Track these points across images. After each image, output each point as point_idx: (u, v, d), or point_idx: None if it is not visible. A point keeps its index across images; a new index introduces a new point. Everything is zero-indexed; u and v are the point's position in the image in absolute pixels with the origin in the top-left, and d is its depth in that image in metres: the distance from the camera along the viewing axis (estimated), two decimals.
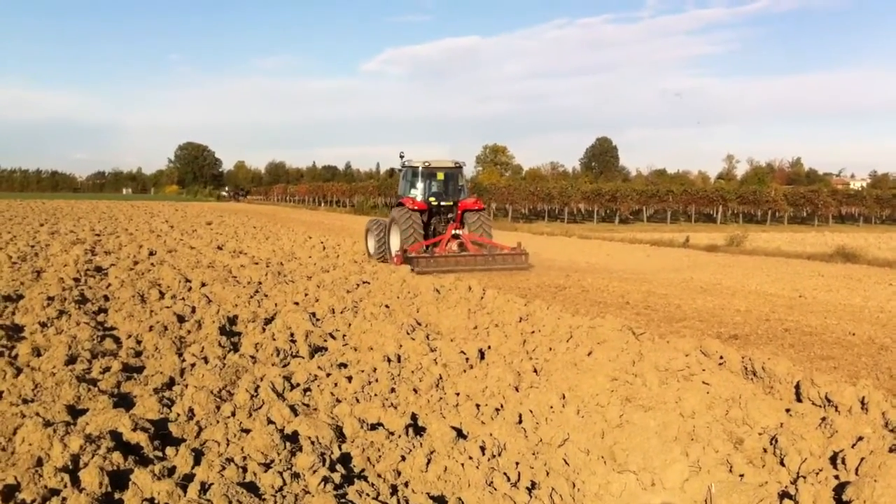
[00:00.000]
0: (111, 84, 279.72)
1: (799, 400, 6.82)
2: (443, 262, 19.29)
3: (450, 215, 21.32)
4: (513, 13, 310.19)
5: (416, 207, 20.70)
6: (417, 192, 21.23)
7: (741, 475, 5.45)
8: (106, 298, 12.83)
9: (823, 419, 5.97)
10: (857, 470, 5.08)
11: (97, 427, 5.91)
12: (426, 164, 21.31)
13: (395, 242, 20.71)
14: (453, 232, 20.79)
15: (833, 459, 5.41)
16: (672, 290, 16.02)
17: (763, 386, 7.31)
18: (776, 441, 5.75)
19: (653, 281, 17.92)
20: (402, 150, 22.37)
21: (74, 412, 6.42)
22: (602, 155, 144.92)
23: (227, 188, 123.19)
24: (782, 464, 5.57)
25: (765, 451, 5.80)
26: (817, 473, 5.25)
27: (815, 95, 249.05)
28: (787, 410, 6.45)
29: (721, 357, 8.16)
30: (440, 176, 21.52)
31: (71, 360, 8.15)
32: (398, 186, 23.03)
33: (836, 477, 5.13)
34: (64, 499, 4.62)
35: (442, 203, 21.25)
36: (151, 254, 20.89)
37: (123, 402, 6.87)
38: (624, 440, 6.01)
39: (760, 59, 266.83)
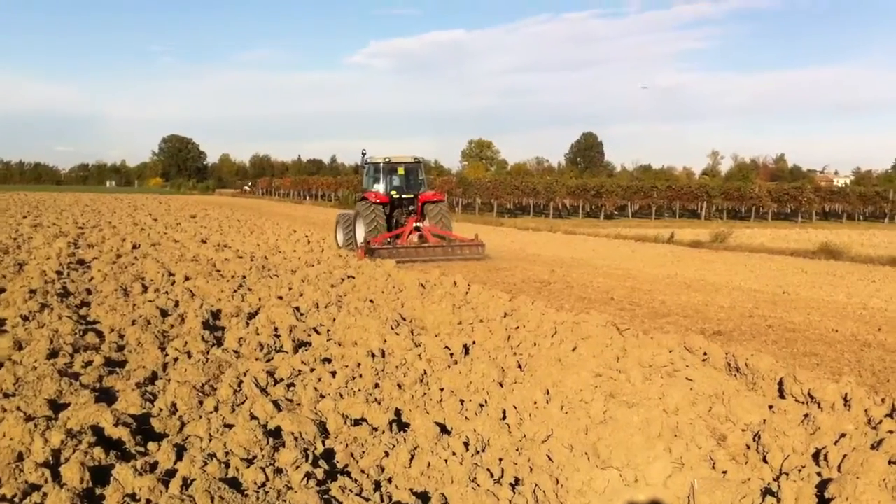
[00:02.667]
0: (95, 76, 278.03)
1: (782, 396, 6.85)
2: (404, 253, 20.22)
3: (411, 207, 22.42)
4: (499, 7, 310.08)
5: (378, 201, 21.86)
6: (380, 187, 22.41)
7: (724, 472, 5.47)
8: (88, 292, 12.74)
9: (806, 416, 6.00)
10: (839, 467, 5.11)
11: (79, 422, 5.87)
12: (387, 159, 22.58)
13: (360, 234, 21.83)
14: (414, 224, 21.89)
15: (816, 456, 5.43)
16: (656, 286, 16.04)
17: (746, 382, 7.34)
18: (759, 438, 5.77)
19: (637, 276, 17.94)
20: (364, 148, 24.39)
21: (56, 406, 6.37)
22: (587, 150, 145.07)
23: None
24: (765, 460, 5.59)
25: (748, 447, 5.83)
26: (800, 470, 5.26)
27: (799, 92, 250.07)
28: (770, 407, 6.48)
29: (704, 353, 8.19)
30: (400, 171, 22.73)
31: (53, 354, 8.09)
32: (362, 181, 24.25)
33: (819, 474, 5.15)
34: (45, 494, 4.59)
35: (403, 196, 22.38)
36: (135, 247, 20.76)
37: (105, 396, 6.84)
38: (607, 436, 6.02)
39: (746, 55, 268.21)
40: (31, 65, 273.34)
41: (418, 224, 21.91)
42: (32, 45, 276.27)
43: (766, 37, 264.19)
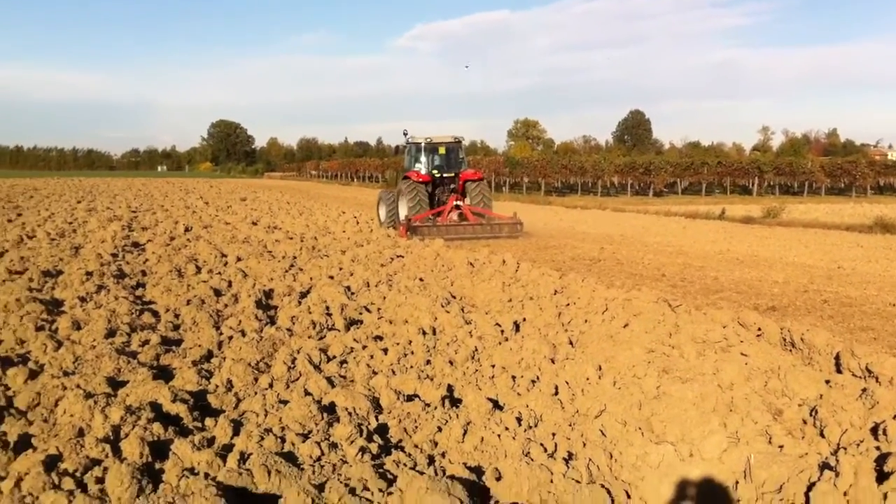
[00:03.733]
0: (145, 62, 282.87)
1: (839, 371, 6.74)
2: (444, 231, 20.65)
3: (452, 186, 22.93)
4: None
5: (420, 180, 22.42)
6: (421, 166, 22.95)
7: (780, 446, 5.40)
8: (143, 273, 12.95)
9: (864, 390, 5.89)
10: None
11: (137, 398, 5.98)
12: (428, 139, 23.13)
13: (402, 212, 22.42)
14: (455, 203, 22.22)
15: (874, 430, 5.34)
16: (708, 262, 15.87)
17: (802, 357, 7.24)
18: (816, 412, 5.69)
19: (688, 253, 17.77)
20: (406, 129, 24.35)
21: (115, 384, 6.50)
22: (635, 128, 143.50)
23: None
24: (822, 435, 5.51)
25: (804, 422, 5.74)
26: (858, 444, 5.18)
27: (850, 65, 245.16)
28: (827, 382, 6.37)
29: (759, 328, 8.09)
30: (441, 150, 23.27)
31: (110, 334, 8.24)
32: (404, 161, 24.71)
33: (878, 448, 5.06)
34: (105, 469, 4.68)
35: (444, 175, 22.92)
36: (187, 230, 21.04)
37: (163, 374, 6.95)
38: (661, 411, 5.97)
39: (794, 29, 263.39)
40: (84, 54, 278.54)
41: (458, 203, 22.29)
42: (85, 35, 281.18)
43: (815, 9, 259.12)
